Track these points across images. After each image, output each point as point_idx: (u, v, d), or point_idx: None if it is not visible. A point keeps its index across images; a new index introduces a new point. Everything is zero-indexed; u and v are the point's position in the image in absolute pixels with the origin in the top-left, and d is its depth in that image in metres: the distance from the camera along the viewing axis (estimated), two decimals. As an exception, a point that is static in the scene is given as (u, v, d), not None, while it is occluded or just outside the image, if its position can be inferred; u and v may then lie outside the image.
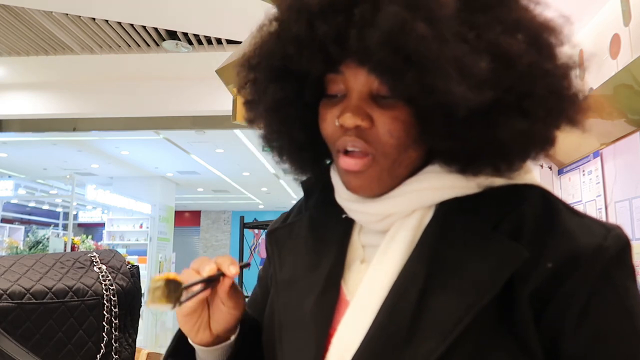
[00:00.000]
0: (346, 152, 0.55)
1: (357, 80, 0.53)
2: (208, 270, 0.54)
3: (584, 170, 3.41)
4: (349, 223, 0.62)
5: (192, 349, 0.62)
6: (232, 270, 0.54)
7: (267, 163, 9.17)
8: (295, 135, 0.61)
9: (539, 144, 0.53)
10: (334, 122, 0.55)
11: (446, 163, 0.55)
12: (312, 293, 0.57)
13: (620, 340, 0.48)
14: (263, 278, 0.73)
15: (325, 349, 0.53)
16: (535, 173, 0.58)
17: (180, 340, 0.63)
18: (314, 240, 0.63)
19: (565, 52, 0.52)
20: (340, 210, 0.62)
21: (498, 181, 0.55)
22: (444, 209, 0.55)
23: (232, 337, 0.61)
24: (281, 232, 0.67)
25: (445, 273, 0.51)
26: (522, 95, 0.49)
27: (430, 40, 0.46)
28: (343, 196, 0.60)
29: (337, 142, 0.55)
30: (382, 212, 0.57)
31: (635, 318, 0.49)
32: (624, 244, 0.50)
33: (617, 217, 2.95)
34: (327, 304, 0.56)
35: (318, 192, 0.67)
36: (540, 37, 0.51)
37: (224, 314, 0.57)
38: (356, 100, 0.53)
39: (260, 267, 0.76)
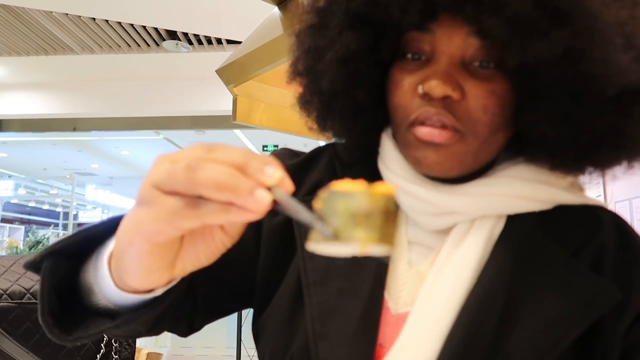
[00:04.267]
0: (422, 124, 0.46)
1: (450, 43, 0.44)
2: (274, 178, 0.31)
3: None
4: None
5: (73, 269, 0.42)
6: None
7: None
8: (358, 96, 0.50)
9: None
10: (414, 88, 0.46)
11: (534, 156, 0.48)
12: (357, 299, 0.47)
13: None
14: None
15: None
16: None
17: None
18: None
19: None
20: None
21: (570, 199, 0.49)
22: (516, 223, 0.48)
23: (159, 290, 0.40)
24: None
25: (525, 303, 0.45)
26: None
27: None
28: (399, 173, 0.50)
29: (416, 113, 0.45)
30: (446, 206, 0.47)
31: None
32: None
33: (617, 217, 2.96)
34: (374, 315, 0.47)
35: (359, 163, 0.55)
36: None
37: (213, 247, 0.36)
38: (446, 66, 0.44)
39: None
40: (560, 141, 0.45)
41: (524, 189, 0.48)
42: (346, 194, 0.29)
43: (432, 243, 0.50)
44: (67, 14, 3.63)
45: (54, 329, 0.39)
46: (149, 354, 1.23)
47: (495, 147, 0.48)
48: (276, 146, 7.70)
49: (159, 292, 0.39)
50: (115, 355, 0.83)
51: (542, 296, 0.45)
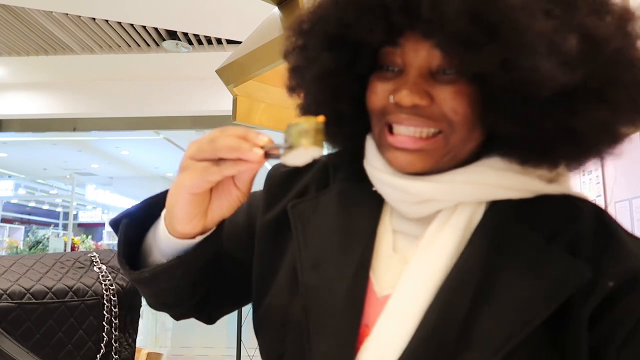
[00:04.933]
0: (390, 129, 0.52)
1: (417, 55, 0.49)
2: (264, 140, 0.47)
3: (584, 170, 3.40)
4: (380, 201, 0.57)
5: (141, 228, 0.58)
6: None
7: (266, 163, 9.16)
8: (340, 108, 0.56)
9: (613, 139, 0.49)
10: (387, 97, 0.51)
11: (505, 152, 0.51)
12: (343, 280, 0.52)
13: None
14: (251, 212, 0.66)
15: (357, 344, 0.49)
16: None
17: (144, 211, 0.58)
18: (343, 217, 0.57)
19: None
20: (372, 184, 0.57)
21: (549, 189, 0.52)
22: (496, 211, 0.51)
23: (198, 238, 0.54)
24: (305, 205, 0.60)
25: (499, 283, 0.48)
26: (606, 82, 0.45)
27: (518, 11, 0.42)
28: (376, 165, 0.55)
29: (389, 117, 0.51)
30: (423, 194, 0.51)
31: None
32: None
33: (617, 217, 2.95)
34: (358, 295, 0.51)
35: (347, 164, 0.61)
36: (626, 24, 0.47)
37: (231, 200, 0.52)
38: (414, 77, 0.49)
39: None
40: (521, 139, 0.49)
41: (499, 178, 0.51)
42: (294, 124, 0.46)
43: (417, 231, 0.53)
44: (67, 14, 3.63)
45: (125, 266, 0.56)
46: (149, 354, 1.23)
47: (472, 146, 0.52)
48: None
49: (198, 240, 0.54)
50: (115, 355, 0.83)
51: (515, 277, 0.48)
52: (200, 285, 0.61)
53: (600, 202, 3.16)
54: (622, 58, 0.45)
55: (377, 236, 0.55)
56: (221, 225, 0.55)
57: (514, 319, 0.46)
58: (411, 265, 0.50)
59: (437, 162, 0.51)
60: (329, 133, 0.57)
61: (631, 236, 0.52)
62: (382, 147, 0.54)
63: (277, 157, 0.48)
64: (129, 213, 0.58)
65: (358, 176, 0.58)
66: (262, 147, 0.47)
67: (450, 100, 0.48)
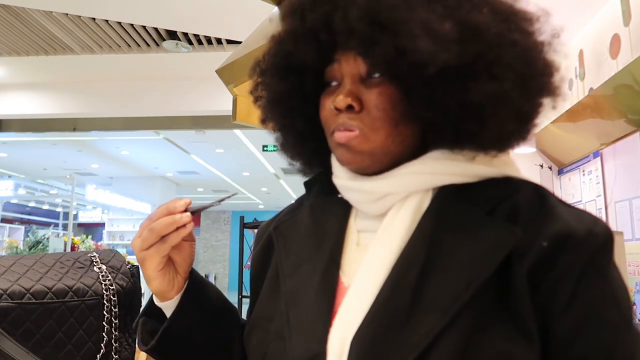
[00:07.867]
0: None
1: (348, 65, 0.59)
2: (183, 205, 0.62)
3: (584, 170, 3.40)
4: (347, 208, 0.65)
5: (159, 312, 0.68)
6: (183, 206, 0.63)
7: (267, 163, 9.17)
8: (298, 126, 0.67)
9: (514, 112, 0.55)
10: (330, 107, 0.60)
11: (438, 141, 0.59)
12: (315, 277, 0.59)
13: (608, 326, 0.51)
14: (255, 279, 0.74)
15: (329, 329, 0.54)
16: (535, 174, 0.60)
17: (150, 305, 0.69)
18: (314, 225, 0.65)
19: (538, 28, 0.56)
20: (338, 194, 0.65)
21: (494, 172, 0.59)
22: (441, 195, 0.58)
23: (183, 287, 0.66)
24: (286, 225, 0.69)
25: (444, 255, 0.53)
26: (491, 62, 0.53)
27: (400, 8, 0.53)
28: (340, 175, 0.64)
29: (332, 124, 0.60)
30: (378, 191, 0.59)
31: (621, 305, 0.51)
32: (610, 234, 0.53)
33: (617, 217, 2.95)
34: (329, 287, 0.58)
35: (318, 183, 0.71)
36: (507, 12, 0.56)
37: (187, 250, 0.65)
38: (348, 84, 0.59)
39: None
40: (437, 124, 0.56)
41: (441, 166, 0.58)
42: None
43: (378, 227, 0.59)
44: (67, 14, 3.63)
45: (140, 344, 0.67)
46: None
47: (400, 139, 0.59)
48: (276, 146, 7.69)
49: (183, 289, 0.66)
50: (116, 355, 0.84)
51: (458, 246, 0.53)
52: (222, 339, 0.69)
53: (600, 202, 3.16)
54: (503, 40, 0.54)
55: (345, 236, 0.62)
56: (192, 272, 0.68)
57: (459, 281, 0.51)
58: (368, 253, 0.57)
59: (372, 155, 0.59)
60: (296, 151, 0.70)
61: (567, 206, 0.57)
62: (332, 150, 0.63)
63: (200, 210, 0.63)
64: (142, 312, 0.70)
65: (327, 191, 0.67)
66: (186, 210, 0.62)
67: (374, 99, 0.58)
